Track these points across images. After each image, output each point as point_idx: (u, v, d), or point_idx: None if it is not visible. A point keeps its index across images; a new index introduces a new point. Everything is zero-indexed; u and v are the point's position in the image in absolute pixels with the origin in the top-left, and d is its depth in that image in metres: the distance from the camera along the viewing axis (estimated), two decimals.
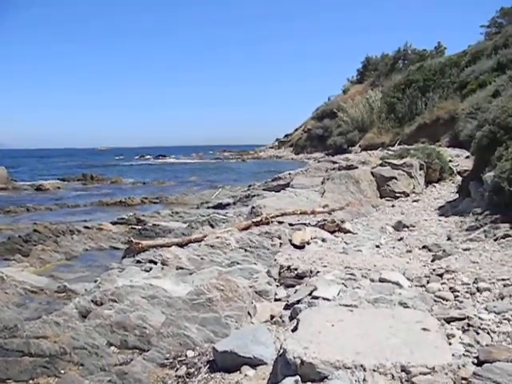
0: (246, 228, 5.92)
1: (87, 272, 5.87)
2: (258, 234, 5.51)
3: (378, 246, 5.19)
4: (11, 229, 9.56)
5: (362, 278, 3.75)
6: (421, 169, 8.51)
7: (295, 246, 5.33)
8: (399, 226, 5.96)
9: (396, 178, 8.03)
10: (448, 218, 6.20)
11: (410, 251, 4.93)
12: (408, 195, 8.08)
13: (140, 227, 8.28)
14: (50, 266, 6.35)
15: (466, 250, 4.47)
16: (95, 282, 4.84)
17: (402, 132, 25.39)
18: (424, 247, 5.00)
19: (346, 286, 3.57)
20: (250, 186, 13.61)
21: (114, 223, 9.29)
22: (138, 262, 5.19)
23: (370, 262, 4.22)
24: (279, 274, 4.27)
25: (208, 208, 10.22)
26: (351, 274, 3.83)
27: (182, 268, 4.81)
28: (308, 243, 5.38)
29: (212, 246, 5.22)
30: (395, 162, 8.37)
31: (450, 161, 9.69)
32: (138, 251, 5.76)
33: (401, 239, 5.46)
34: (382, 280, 3.69)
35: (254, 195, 9.69)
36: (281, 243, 5.34)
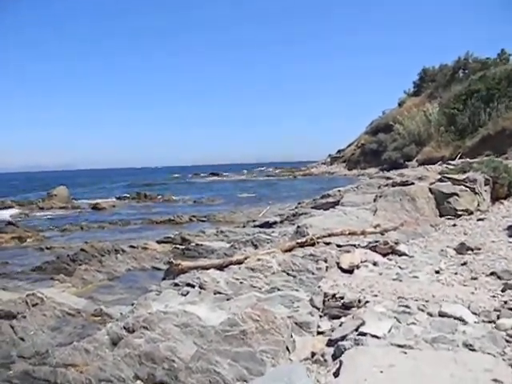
0: (290, 249, 5.54)
1: (126, 294, 5.74)
2: (301, 256, 5.11)
3: (437, 272, 4.60)
4: (63, 247, 9.83)
5: (418, 312, 3.26)
6: (486, 184, 7.72)
7: (343, 270, 4.88)
8: (462, 249, 5.31)
9: (457, 195, 7.31)
10: None
11: (475, 278, 4.31)
12: (472, 213, 7.31)
13: (184, 247, 8.14)
14: (92, 287, 6.31)
15: None
16: (132, 305, 4.67)
17: (464, 145, 23.98)
18: (492, 274, 4.36)
19: (399, 320, 3.10)
20: (298, 203, 13.20)
21: (159, 242, 9.25)
22: (176, 284, 4.95)
23: (427, 292, 3.70)
24: (323, 302, 3.85)
25: (254, 227, 9.93)
26: (405, 306, 3.34)
27: (219, 293, 4.51)
28: (357, 267, 4.91)
29: (252, 269, 4.89)
30: (456, 176, 7.65)
31: None
32: (178, 273, 5.55)
33: (464, 264, 4.83)
34: (442, 314, 3.18)
35: (302, 213, 9.27)
36: (327, 267, 4.90)
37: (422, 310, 3.28)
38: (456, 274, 4.53)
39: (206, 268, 5.32)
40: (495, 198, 8.06)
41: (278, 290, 4.23)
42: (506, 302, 3.40)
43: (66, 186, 25.53)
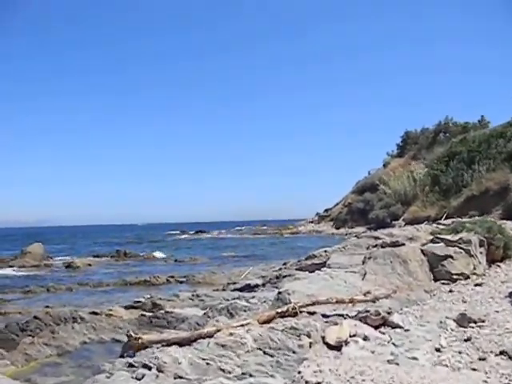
0: (269, 320, 4.81)
1: (73, 375, 4.84)
2: (281, 329, 4.39)
3: (438, 350, 3.94)
4: (20, 312, 8.83)
5: None
6: (481, 245, 7.20)
7: (329, 346, 4.19)
8: (463, 321, 4.66)
9: (452, 257, 6.75)
10: None
11: (483, 359, 3.66)
12: (468, 277, 6.73)
13: (151, 314, 7.29)
14: (35, 365, 5.34)
15: None
16: None
17: (449, 205, 24.02)
18: (502, 353, 3.72)
19: None
20: (284, 263, 12.52)
21: (127, 307, 8.36)
22: (131, 365, 4.15)
23: (431, 381, 3.02)
24: None
25: (234, 290, 9.17)
26: None
27: (181, 377, 3.74)
28: (346, 343, 4.23)
29: (223, 346, 4.14)
30: (449, 237, 7.14)
31: None
32: (138, 348, 4.74)
33: (468, 340, 4.17)
34: None
35: (286, 275, 8.59)
36: (310, 342, 4.20)
37: None
38: (460, 353, 3.86)
39: (172, 343, 4.55)
40: (491, 261, 7.53)
41: (250, 375, 3.49)
42: None
43: (41, 243, 24.40)
